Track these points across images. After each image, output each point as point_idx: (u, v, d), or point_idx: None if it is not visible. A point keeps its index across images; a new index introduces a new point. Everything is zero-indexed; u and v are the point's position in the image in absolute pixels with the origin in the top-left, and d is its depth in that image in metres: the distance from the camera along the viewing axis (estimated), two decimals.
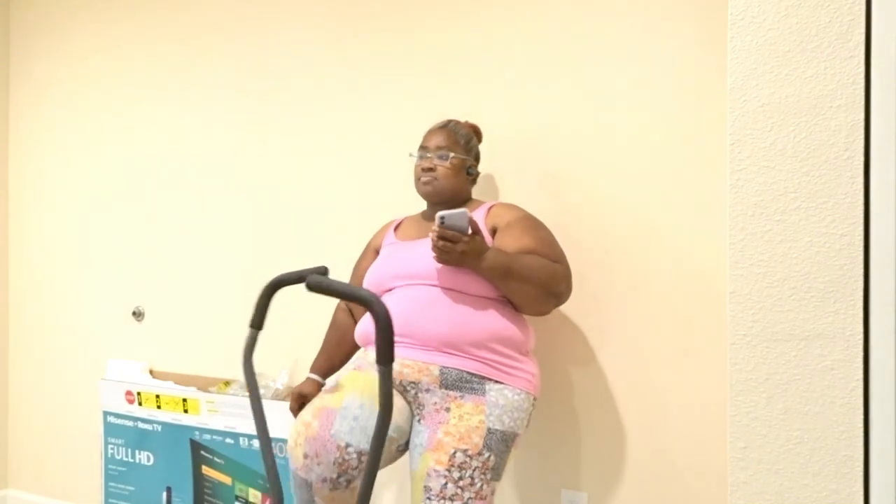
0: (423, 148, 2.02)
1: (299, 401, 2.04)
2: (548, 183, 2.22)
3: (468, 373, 1.79)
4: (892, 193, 1.36)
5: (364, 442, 1.76)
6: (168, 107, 2.85)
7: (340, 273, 2.51)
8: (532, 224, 1.92)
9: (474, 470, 1.72)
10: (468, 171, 2.04)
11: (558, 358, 2.21)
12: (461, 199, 2.05)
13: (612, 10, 2.13)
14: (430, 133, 2.04)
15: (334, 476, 1.75)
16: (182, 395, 2.56)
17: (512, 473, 2.27)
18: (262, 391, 2.47)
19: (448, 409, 1.77)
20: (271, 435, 2.37)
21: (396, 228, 2.10)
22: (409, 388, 1.83)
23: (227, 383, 2.61)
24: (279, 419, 2.36)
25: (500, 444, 1.77)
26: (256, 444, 2.40)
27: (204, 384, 2.69)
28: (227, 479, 2.48)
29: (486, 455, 1.74)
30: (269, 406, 2.38)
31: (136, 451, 2.67)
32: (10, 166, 3.22)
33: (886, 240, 1.36)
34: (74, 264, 3.05)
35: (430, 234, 1.76)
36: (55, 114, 3.10)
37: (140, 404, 2.65)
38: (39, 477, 3.15)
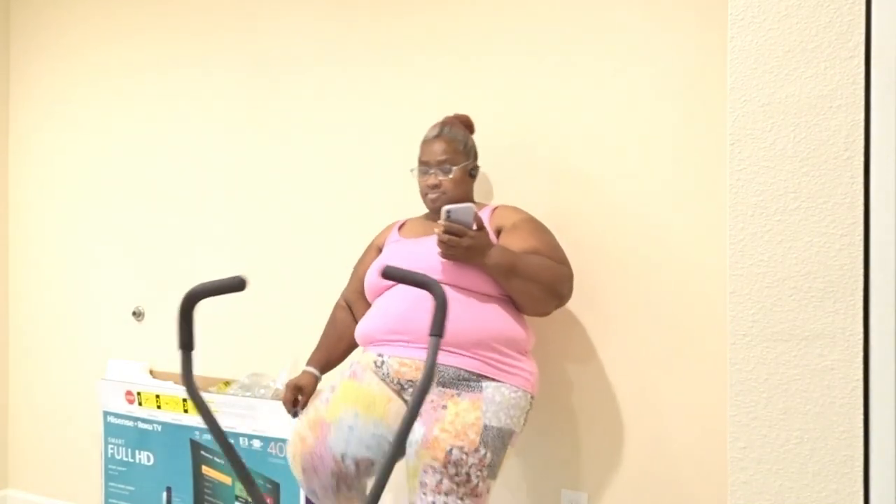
0: (423, 163, 2.00)
1: (296, 393, 2.00)
2: (547, 183, 2.22)
3: (466, 370, 1.79)
4: (892, 193, 1.36)
5: (361, 449, 1.76)
6: (169, 107, 2.85)
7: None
8: (537, 226, 1.94)
9: (470, 467, 1.72)
10: (470, 173, 2.04)
11: (558, 357, 2.21)
12: (467, 202, 2.06)
13: (613, 11, 2.13)
14: (427, 145, 2.02)
15: (334, 485, 1.77)
16: (182, 395, 2.56)
17: (512, 473, 2.27)
18: (262, 391, 2.47)
19: (445, 407, 1.77)
20: (272, 435, 2.37)
21: (400, 228, 2.10)
22: (406, 387, 1.83)
23: (227, 383, 2.61)
24: (279, 419, 2.36)
25: (497, 440, 1.76)
26: (257, 444, 2.40)
27: (204, 384, 2.69)
28: (227, 480, 2.48)
29: (483, 452, 1.74)
30: (269, 406, 2.38)
31: (136, 451, 2.67)
32: (10, 166, 3.22)
33: (886, 240, 1.36)
34: (74, 264, 3.05)
35: (436, 229, 1.76)
36: (55, 113, 3.10)
37: (140, 404, 2.65)
38: (39, 477, 3.15)
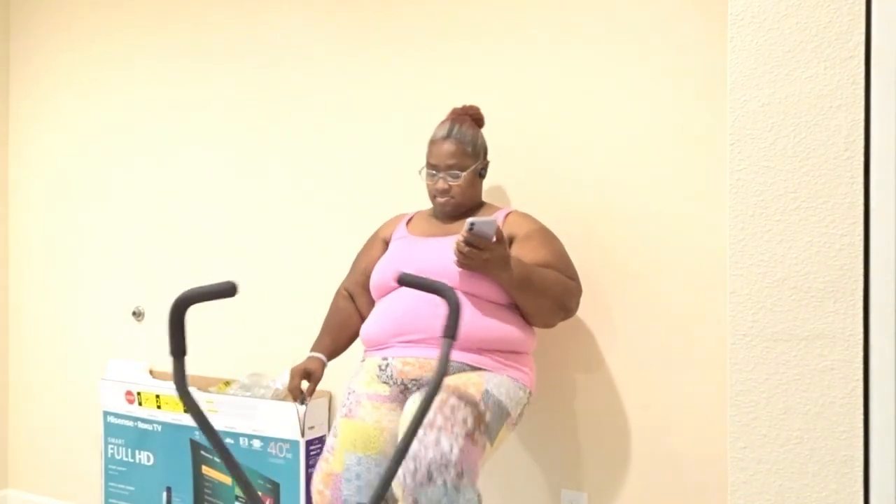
0: (432, 167, 1.98)
1: (303, 377, 1.95)
2: (548, 185, 2.22)
3: (469, 365, 1.81)
4: (892, 193, 1.36)
5: (371, 491, 1.80)
6: (169, 107, 2.85)
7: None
8: (550, 238, 1.95)
9: (468, 414, 1.68)
10: (480, 173, 2.04)
11: (558, 358, 2.21)
12: (476, 204, 2.05)
13: (613, 10, 2.13)
14: (436, 146, 1.98)
15: None
16: None
17: (512, 473, 2.27)
18: (262, 391, 2.47)
19: (447, 380, 1.79)
20: (272, 435, 2.37)
21: (408, 223, 2.09)
22: (410, 387, 1.84)
23: (227, 383, 2.61)
24: (279, 419, 2.36)
25: (496, 409, 1.74)
26: (257, 444, 2.40)
27: (204, 384, 2.69)
28: (227, 480, 2.48)
29: (482, 408, 1.71)
30: (269, 406, 2.38)
31: (136, 451, 2.67)
32: (10, 166, 3.22)
33: (886, 240, 1.36)
34: (74, 264, 3.05)
35: (457, 239, 1.76)
36: (55, 114, 3.10)
37: (140, 404, 2.65)
38: (39, 477, 3.15)
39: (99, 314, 2.99)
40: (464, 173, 1.96)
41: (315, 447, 2.38)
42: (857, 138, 1.38)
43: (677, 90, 2.05)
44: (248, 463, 2.43)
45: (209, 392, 2.53)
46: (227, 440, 2.47)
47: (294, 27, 2.60)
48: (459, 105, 2.31)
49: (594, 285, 2.16)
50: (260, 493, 2.41)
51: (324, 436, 2.43)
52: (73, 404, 3.05)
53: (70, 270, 3.06)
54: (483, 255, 1.74)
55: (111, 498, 2.73)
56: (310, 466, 2.35)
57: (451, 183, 1.96)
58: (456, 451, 1.61)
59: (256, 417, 2.39)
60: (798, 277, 1.41)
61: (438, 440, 1.62)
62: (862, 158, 1.38)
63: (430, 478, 1.59)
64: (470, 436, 1.66)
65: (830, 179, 1.39)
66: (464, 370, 1.80)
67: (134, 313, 2.91)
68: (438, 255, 1.87)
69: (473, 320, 1.82)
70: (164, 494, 2.61)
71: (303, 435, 2.33)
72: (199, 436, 2.54)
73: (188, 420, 2.55)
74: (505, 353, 1.85)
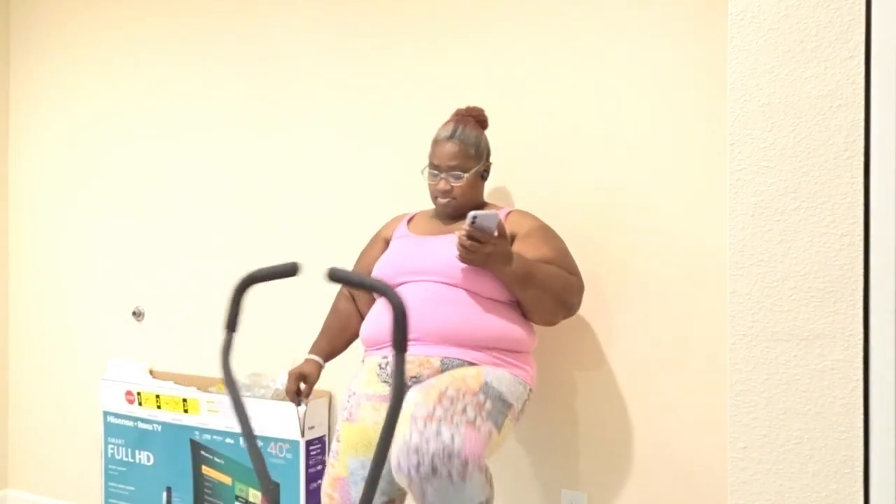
0: (434, 167, 1.98)
1: (299, 381, 1.98)
2: (549, 185, 2.22)
3: (469, 362, 1.81)
4: (892, 193, 1.36)
5: (379, 497, 1.82)
6: (169, 106, 2.85)
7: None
8: (551, 235, 1.95)
9: (467, 403, 1.66)
10: (482, 175, 2.04)
11: (559, 358, 2.21)
12: (478, 204, 2.05)
13: (613, 10, 2.13)
14: (439, 147, 1.98)
15: None
16: (182, 395, 2.56)
17: (512, 473, 2.27)
18: (262, 391, 2.47)
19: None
20: (272, 435, 2.37)
21: (409, 222, 2.09)
22: (409, 383, 1.84)
23: None
24: (279, 419, 2.36)
25: (497, 400, 1.73)
26: (257, 443, 2.40)
27: (204, 384, 2.68)
28: (227, 479, 2.48)
29: (482, 398, 1.69)
30: (269, 406, 2.38)
31: (136, 451, 2.67)
32: (10, 166, 3.22)
33: (886, 240, 1.36)
34: (74, 264, 3.05)
35: (458, 233, 1.76)
36: (55, 113, 3.10)
37: (140, 404, 2.65)
38: (39, 477, 3.15)
39: (99, 314, 2.99)
40: (466, 175, 1.96)
41: (315, 447, 2.38)
42: (857, 138, 1.38)
43: (677, 90, 2.05)
44: (249, 463, 2.43)
45: (209, 392, 2.53)
46: (227, 440, 2.47)
47: (296, 24, 2.60)
48: (463, 105, 2.31)
49: (594, 285, 2.16)
50: (260, 493, 2.41)
51: (324, 436, 2.43)
52: (73, 404, 3.05)
53: (70, 270, 3.06)
54: (485, 248, 1.74)
55: (111, 498, 2.73)
56: (310, 466, 2.35)
57: (452, 184, 1.97)
58: (458, 440, 1.60)
59: (256, 417, 2.39)
60: (798, 277, 1.41)
61: (439, 431, 1.60)
62: (862, 158, 1.38)
63: (434, 470, 1.57)
64: (471, 423, 1.64)
65: (830, 179, 1.39)
66: (463, 366, 1.80)
67: (134, 313, 2.91)
68: (439, 253, 1.88)
69: (474, 318, 1.81)
70: (164, 494, 2.61)
71: (303, 435, 2.33)
72: (199, 436, 2.54)
73: (188, 420, 2.55)
74: (505, 351, 1.85)
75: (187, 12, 2.80)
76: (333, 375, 2.46)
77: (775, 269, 1.43)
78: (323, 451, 2.42)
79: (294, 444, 2.34)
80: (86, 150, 3.03)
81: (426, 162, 2.16)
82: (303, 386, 2.00)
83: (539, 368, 2.23)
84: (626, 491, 2.12)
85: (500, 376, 1.79)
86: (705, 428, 2.03)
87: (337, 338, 2.09)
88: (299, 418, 2.31)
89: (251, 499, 2.44)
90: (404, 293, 1.88)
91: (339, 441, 1.88)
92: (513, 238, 1.94)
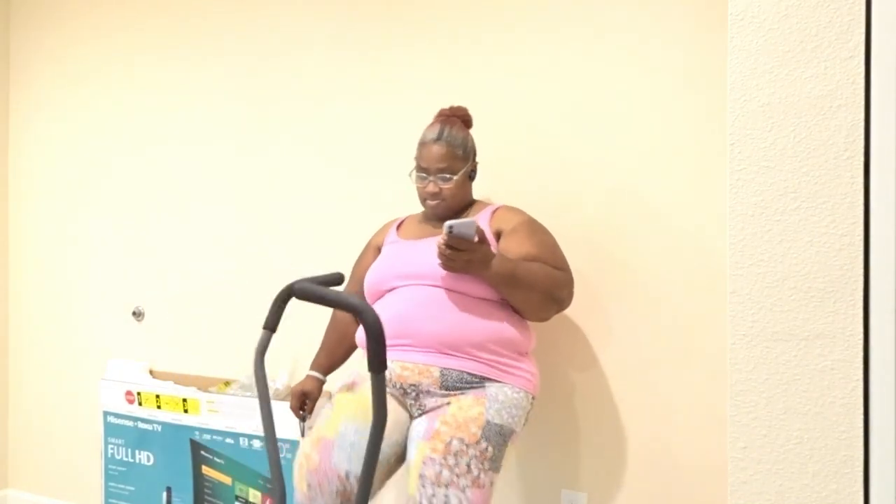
0: (422, 169, 1.98)
1: (302, 399, 2.04)
2: (548, 186, 2.22)
3: (468, 373, 1.80)
4: (892, 193, 1.36)
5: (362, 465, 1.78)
6: (169, 107, 2.85)
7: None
8: (536, 229, 1.93)
9: (471, 458, 1.71)
10: (469, 175, 2.04)
11: (558, 358, 2.21)
12: (467, 203, 2.05)
13: (613, 9, 2.13)
14: (426, 149, 1.97)
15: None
16: (182, 395, 2.56)
17: (512, 473, 2.27)
18: None
19: (449, 404, 1.78)
20: None
21: (399, 227, 2.10)
22: (409, 391, 1.83)
23: (227, 383, 2.61)
24: (279, 419, 2.36)
25: (498, 437, 1.76)
26: (256, 444, 2.40)
27: (204, 384, 2.68)
28: (227, 479, 2.48)
29: (484, 445, 1.73)
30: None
31: (136, 451, 2.67)
32: (10, 166, 3.22)
33: (886, 240, 1.36)
34: (74, 264, 3.05)
35: (437, 242, 1.76)
36: (54, 113, 3.10)
37: (140, 404, 2.65)
38: (39, 477, 3.15)
39: (99, 314, 2.99)
40: (454, 176, 1.96)
41: None
42: (857, 138, 1.38)
43: (677, 90, 2.05)
44: (249, 463, 2.44)
45: (209, 392, 2.53)
46: (227, 440, 2.47)
47: (295, 27, 2.60)
48: (460, 105, 2.31)
49: (594, 286, 2.16)
50: (261, 494, 2.42)
51: None
52: (73, 404, 3.05)
53: (70, 270, 3.06)
54: (464, 256, 1.74)
55: (111, 498, 2.73)
56: None
57: (441, 186, 1.96)
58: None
59: (256, 417, 2.39)
60: (798, 277, 1.41)
61: (447, 498, 1.67)
62: (862, 158, 1.38)
63: None
64: (476, 481, 1.71)
65: (830, 179, 1.39)
66: (463, 378, 1.79)
67: (134, 313, 2.91)
68: (429, 256, 1.87)
69: (467, 320, 1.81)
70: (164, 494, 2.61)
71: (303, 435, 2.33)
72: (199, 436, 2.54)
73: (188, 420, 2.55)
74: (504, 355, 1.84)
75: (188, 15, 2.80)
76: (333, 375, 2.46)
77: (775, 269, 1.43)
78: None
79: (294, 444, 2.34)
80: (86, 150, 3.03)
81: (414, 165, 2.16)
82: (307, 403, 2.05)
83: (540, 369, 2.23)
84: (626, 491, 2.12)
85: (502, 403, 1.78)
86: (705, 428, 2.03)
87: (335, 351, 2.12)
88: (302, 426, 2.32)
89: (251, 499, 2.44)
90: (396, 297, 1.87)
91: (331, 408, 1.87)
92: (499, 234, 1.94)
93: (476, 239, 1.74)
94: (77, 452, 3.04)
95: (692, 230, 2.04)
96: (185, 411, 2.56)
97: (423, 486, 1.69)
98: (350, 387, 1.88)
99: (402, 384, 1.83)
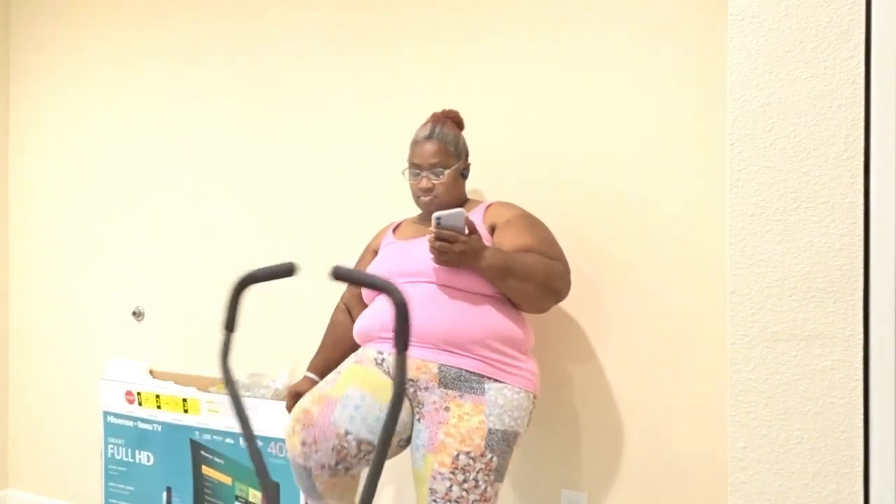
0: (415, 166, 1.99)
1: (296, 399, 2.03)
2: (548, 184, 2.22)
3: (467, 371, 1.79)
4: (892, 193, 1.36)
5: (364, 431, 1.77)
6: (169, 107, 2.85)
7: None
8: (530, 222, 1.93)
9: (478, 472, 1.73)
10: (462, 173, 2.04)
11: (558, 357, 2.21)
12: (460, 201, 2.06)
13: (613, 9, 2.13)
14: (418, 146, 1.99)
15: (332, 463, 1.77)
16: (182, 395, 2.57)
17: (512, 473, 2.27)
18: (262, 391, 2.47)
19: (447, 409, 1.77)
20: (272, 435, 2.37)
21: (395, 230, 2.11)
22: (407, 386, 1.83)
23: None
24: (279, 419, 2.36)
25: (502, 443, 1.77)
26: (257, 444, 2.40)
27: (204, 384, 2.69)
28: (227, 479, 2.48)
29: (489, 456, 1.75)
30: (268, 406, 2.38)
31: (136, 451, 2.67)
32: (11, 166, 3.22)
33: (886, 240, 1.36)
34: (74, 264, 3.05)
35: (428, 236, 1.77)
36: (54, 113, 3.10)
37: (140, 404, 2.65)
38: (39, 477, 3.15)
39: (99, 314, 2.99)
40: (447, 171, 1.97)
41: None
42: (857, 138, 1.38)
43: (677, 90, 2.05)
44: (249, 463, 2.44)
45: (209, 392, 2.53)
46: (227, 440, 2.47)
47: (296, 27, 2.60)
48: (464, 105, 2.32)
49: (594, 285, 2.16)
50: (260, 493, 2.42)
51: None
52: (73, 404, 3.05)
53: (70, 270, 3.06)
54: (455, 248, 1.74)
55: (111, 498, 2.73)
56: None
57: (434, 181, 1.97)
58: None
59: (256, 417, 2.39)
60: (798, 277, 1.41)
61: None
62: (862, 158, 1.38)
63: None
64: (483, 496, 1.73)
65: (830, 179, 1.39)
66: (461, 376, 1.79)
67: (134, 313, 2.91)
68: (421, 255, 1.88)
69: (464, 315, 1.80)
70: (164, 494, 2.61)
71: None
72: (199, 436, 2.54)
73: (188, 420, 2.55)
74: (504, 353, 1.84)
75: (189, 15, 2.80)
76: None
77: (775, 269, 1.43)
78: None
79: None
80: (86, 150, 3.03)
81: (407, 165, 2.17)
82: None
83: (540, 369, 2.23)
84: (626, 491, 2.12)
85: (502, 407, 1.78)
86: (705, 428, 2.03)
87: (332, 352, 2.12)
88: None
89: (251, 499, 2.44)
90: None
91: (339, 374, 1.87)
92: (493, 229, 1.94)
93: (466, 231, 1.75)
94: (77, 452, 3.04)
95: (692, 230, 2.05)
96: (185, 411, 2.56)
97: (434, 501, 1.73)
98: (359, 361, 1.89)
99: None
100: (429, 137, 1.99)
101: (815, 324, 1.40)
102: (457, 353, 1.80)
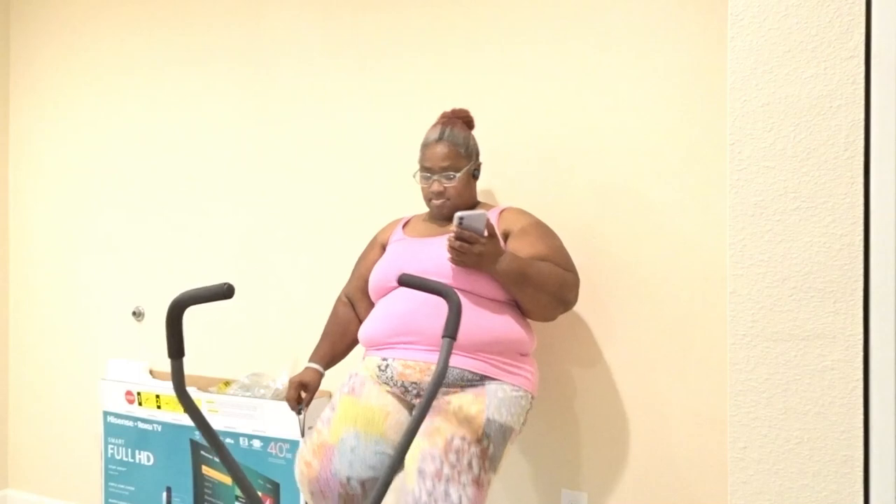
0: (426, 169, 1.98)
1: (299, 390, 1.99)
2: (549, 185, 2.22)
3: (469, 371, 1.80)
4: (892, 193, 1.36)
5: (364, 469, 1.77)
6: (169, 108, 2.85)
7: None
8: (545, 231, 1.94)
9: (472, 456, 1.70)
10: (473, 174, 2.04)
11: (559, 358, 2.21)
12: (472, 203, 2.05)
13: (613, 10, 2.13)
14: (429, 149, 1.99)
15: None
16: None
17: (512, 473, 2.27)
18: (262, 391, 2.47)
19: (449, 402, 1.78)
20: (272, 435, 2.37)
21: (405, 226, 2.10)
22: (410, 389, 1.83)
23: (227, 383, 2.61)
24: (279, 419, 2.36)
25: (498, 434, 1.76)
26: (257, 443, 2.40)
27: (204, 384, 2.68)
28: (227, 479, 2.48)
29: (486, 443, 1.73)
30: (269, 406, 2.38)
31: (136, 451, 2.67)
32: (11, 166, 3.22)
33: (886, 240, 1.36)
34: (74, 264, 3.05)
35: (448, 235, 1.76)
36: (55, 113, 3.10)
37: (140, 404, 2.65)
38: (39, 477, 3.15)
39: (99, 314, 2.99)
40: (458, 174, 1.96)
41: None
42: (857, 138, 1.38)
43: (677, 90, 2.05)
44: (248, 463, 2.43)
45: (209, 392, 2.53)
46: (227, 440, 2.47)
47: (296, 28, 2.60)
48: (460, 107, 2.32)
49: (595, 286, 2.16)
50: (260, 493, 2.42)
51: None
52: (73, 404, 3.05)
53: (70, 270, 3.06)
54: (475, 249, 1.74)
55: (111, 498, 2.73)
56: None
57: (445, 185, 1.97)
58: (465, 502, 1.66)
59: (256, 417, 2.39)
60: (798, 277, 1.41)
61: (447, 492, 1.65)
62: (862, 158, 1.38)
63: None
64: (476, 480, 1.69)
65: (830, 179, 1.39)
66: (464, 376, 1.80)
67: (134, 313, 2.91)
68: (434, 255, 1.87)
69: (471, 319, 1.81)
70: (164, 494, 2.61)
71: (303, 435, 2.33)
72: (199, 436, 2.54)
73: (188, 420, 2.55)
74: (506, 355, 1.85)
75: (190, 16, 2.80)
76: (333, 376, 2.46)
77: (775, 269, 1.43)
78: None
79: (294, 444, 2.34)
80: (86, 150, 3.03)
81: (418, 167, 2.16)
82: (303, 394, 2.00)
83: (540, 369, 2.23)
84: (626, 491, 2.12)
85: (502, 402, 1.78)
86: (705, 428, 2.03)
87: (337, 344, 2.09)
88: (299, 419, 2.32)
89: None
90: (401, 294, 1.88)
91: (333, 410, 1.85)
92: (507, 236, 1.94)
93: (486, 233, 1.74)
94: (77, 452, 3.04)
95: (692, 230, 2.04)
96: (185, 411, 2.55)
97: (423, 480, 1.67)
98: (352, 390, 1.87)
99: (403, 382, 1.83)
100: (439, 139, 1.98)
101: (815, 324, 1.40)
102: (459, 355, 1.80)
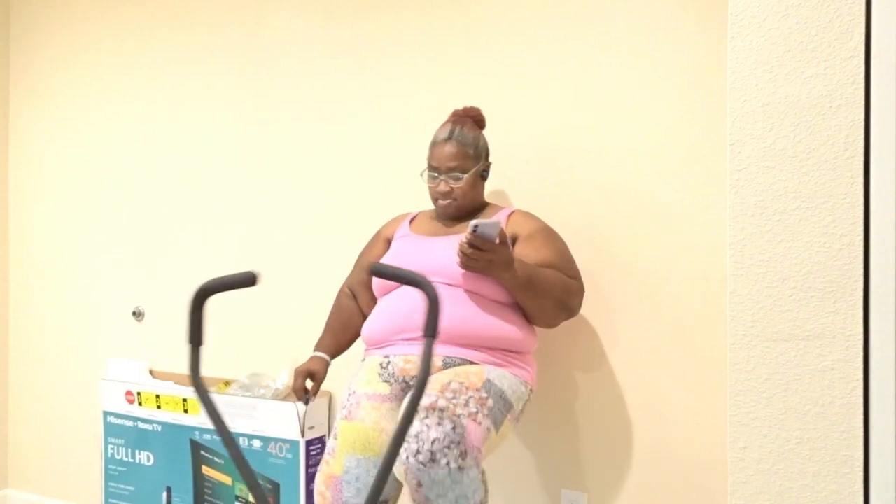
0: (433, 169, 1.98)
1: (306, 378, 1.97)
2: (550, 186, 2.22)
3: (470, 361, 1.82)
4: (892, 193, 1.36)
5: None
6: (169, 108, 2.85)
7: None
8: (552, 237, 1.95)
9: (470, 398, 1.67)
10: (482, 175, 2.03)
11: (558, 357, 2.21)
12: (479, 204, 2.05)
13: (613, 10, 2.13)
14: (437, 148, 1.98)
15: None
16: (182, 395, 2.56)
17: (512, 473, 2.27)
18: (262, 391, 2.47)
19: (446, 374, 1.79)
20: (272, 435, 2.37)
21: (411, 222, 2.10)
22: (410, 384, 1.84)
23: (227, 383, 2.61)
24: (279, 419, 2.36)
25: (499, 397, 1.75)
26: (257, 443, 2.40)
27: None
28: (227, 479, 2.48)
29: (485, 395, 1.71)
30: (269, 406, 2.38)
31: (136, 451, 2.67)
32: (11, 166, 3.22)
33: (886, 240, 1.36)
34: (75, 264, 3.05)
35: (460, 241, 1.76)
36: (55, 113, 3.10)
37: (140, 404, 2.65)
38: (39, 477, 3.15)
39: (99, 314, 2.99)
40: (465, 175, 1.96)
41: (315, 447, 2.38)
42: (857, 138, 1.38)
43: (677, 90, 2.05)
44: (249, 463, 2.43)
45: (209, 392, 2.53)
46: None
47: (296, 27, 2.60)
48: (462, 106, 2.31)
49: (595, 285, 2.16)
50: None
51: (324, 436, 2.43)
52: (73, 404, 3.05)
53: (70, 270, 3.06)
54: (486, 256, 1.74)
55: (111, 498, 2.73)
56: (310, 466, 2.35)
57: (452, 185, 1.96)
58: (459, 430, 1.62)
59: (256, 417, 2.39)
60: (798, 277, 1.41)
61: (441, 420, 1.61)
62: (862, 158, 1.38)
63: (433, 458, 1.59)
64: (473, 417, 1.66)
65: (830, 179, 1.39)
66: (464, 364, 1.81)
67: (134, 313, 2.91)
68: (441, 255, 1.88)
69: (475, 318, 1.82)
70: (164, 494, 2.61)
71: (303, 435, 2.33)
72: (198, 435, 2.54)
73: (188, 420, 2.55)
74: (506, 351, 1.86)
75: (191, 16, 2.80)
76: (333, 376, 2.46)
77: (775, 269, 1.43)
78: (323, 451, 2.42)
79: (294, 444, 2.34)
80: (86, 150, 3.03)
81: (426, 164, 2.16)
82: (310, 384, 1.99)
83: (539, 368, 2.23)
84: (626, 490, 2.12)
85: (502, 375, 1.80)
86: (705, 428, 2.03)
87: (341, 335, 2.08)
88: (299, 418, 2.32)
89: (251, 499, 2.44)
90: (406, 291, 1.88)
91: (335, 439, 1.87)
92: (514, 239, 1.94)
93: (497, 241, 1.75)
94: (77, 452, 3.04)
95: (692, 230, 2.05)
96: (185, 411, 2.56)
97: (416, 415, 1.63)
98: (349, 414, 1.87)
99: (404, 377, 1.83)
100: (448, 139, 1.97)
101: (815, 324, 1.40)
102: (462, 347, 1.81)
